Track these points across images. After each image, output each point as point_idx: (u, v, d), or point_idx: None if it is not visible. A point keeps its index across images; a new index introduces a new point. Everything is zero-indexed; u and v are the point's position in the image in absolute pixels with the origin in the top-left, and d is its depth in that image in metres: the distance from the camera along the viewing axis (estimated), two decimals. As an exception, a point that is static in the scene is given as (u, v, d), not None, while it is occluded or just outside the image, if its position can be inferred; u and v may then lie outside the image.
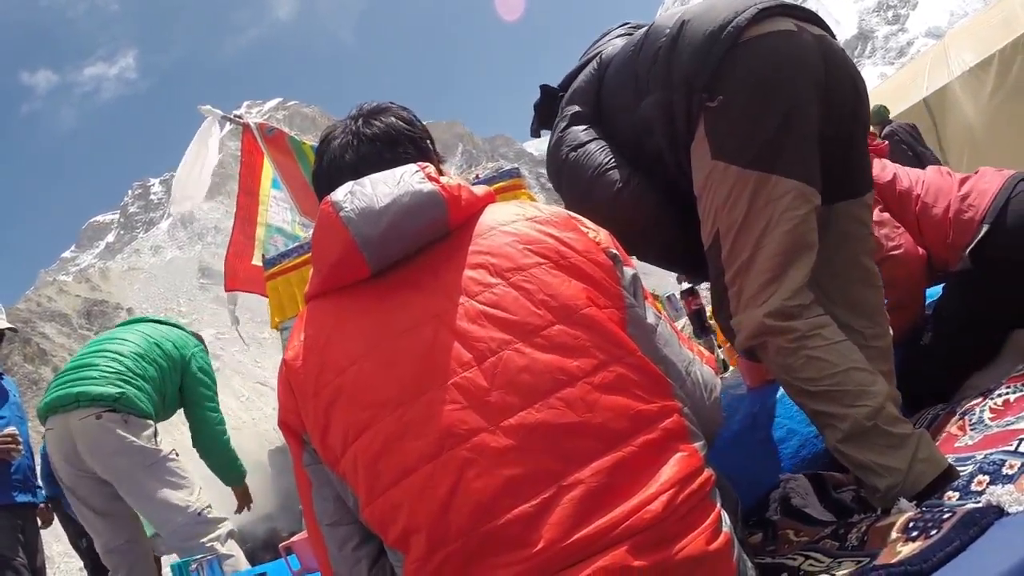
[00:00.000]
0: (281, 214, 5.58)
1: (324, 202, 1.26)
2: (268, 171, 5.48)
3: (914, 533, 1.22)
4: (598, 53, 1.96)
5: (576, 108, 1.93)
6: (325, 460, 1.20)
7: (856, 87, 1.72)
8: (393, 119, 1.43)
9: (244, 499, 3.99)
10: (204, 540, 3.30)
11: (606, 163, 1.80)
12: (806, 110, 1.58)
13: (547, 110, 2.05)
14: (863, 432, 1.47)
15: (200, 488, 3.48)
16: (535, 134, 2.12)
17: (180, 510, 3.34)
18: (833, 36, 1.71)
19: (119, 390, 3.33)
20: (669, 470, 1.07)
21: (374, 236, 1.19)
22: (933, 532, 1.18)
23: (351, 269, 1.23)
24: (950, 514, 1.19)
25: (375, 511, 1.13)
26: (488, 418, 1.08)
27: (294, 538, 3.14)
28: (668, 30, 1.69)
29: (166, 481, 3.37)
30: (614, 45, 1.94)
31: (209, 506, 3.43)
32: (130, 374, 3.43)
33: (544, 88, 2.08)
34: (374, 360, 1.16)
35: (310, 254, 5.17)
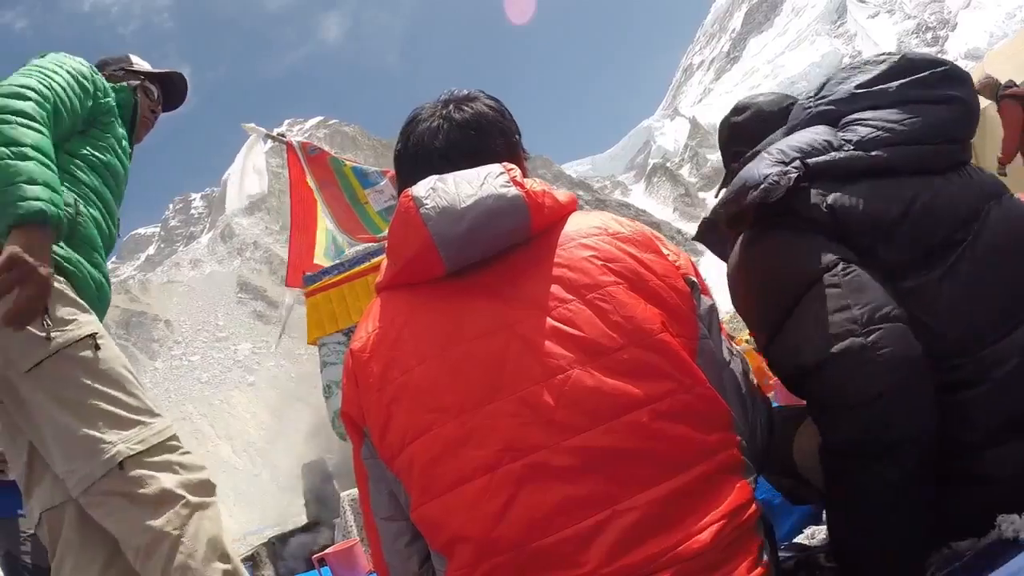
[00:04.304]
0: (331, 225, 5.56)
1: (404, 195, 1.21)
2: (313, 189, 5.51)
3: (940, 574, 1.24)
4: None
5: None
6: (382, 456, 1.19)
7: None
8: (483, 107, 1.37)
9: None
10: None
11: None
12: None
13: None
14: None
15: None
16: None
17: None
18: None
19: None
20: (721, 502, 1.07)
21: (453, 237, 1.16)
22: (955, 565, 1.19)
23: (427, 267, 1.20)
24: (970, 551, 1.21)
25: (425, 514, 1.13)
26: (551, 436, 1.07)
27: (328, 550, 3.18)
28: None
29: None
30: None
31: None
32: None
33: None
34: (442, 363, 1.14)
35: (350, 272, 5.23)
